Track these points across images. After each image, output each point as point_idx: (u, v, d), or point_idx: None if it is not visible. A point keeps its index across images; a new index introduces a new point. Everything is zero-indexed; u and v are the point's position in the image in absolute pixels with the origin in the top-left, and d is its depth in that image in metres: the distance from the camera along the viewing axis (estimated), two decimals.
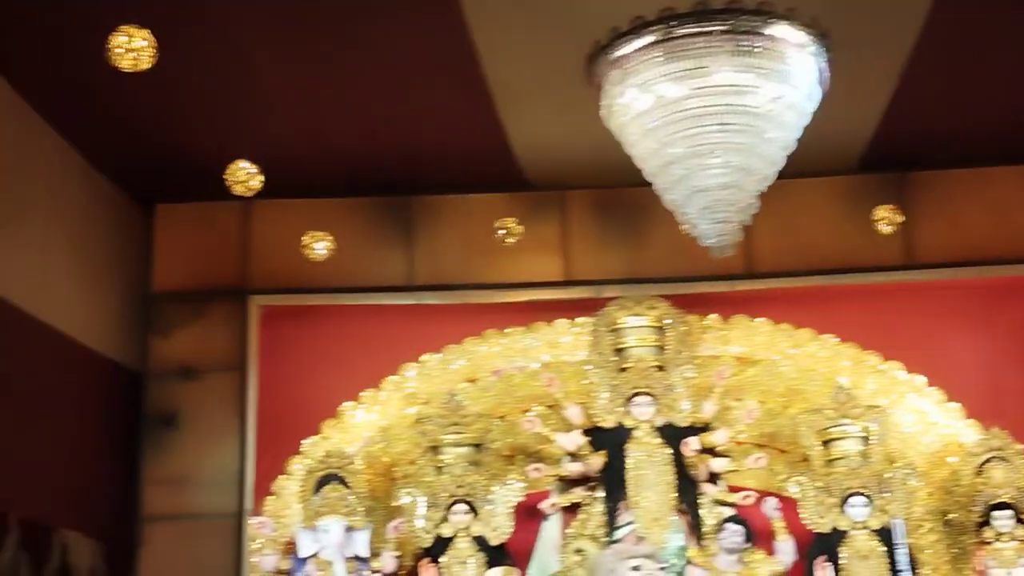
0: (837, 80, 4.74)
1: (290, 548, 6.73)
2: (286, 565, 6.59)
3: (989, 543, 6.52)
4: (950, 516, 6.92)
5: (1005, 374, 7.32)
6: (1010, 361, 7.34)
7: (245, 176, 5.77)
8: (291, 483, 7.10)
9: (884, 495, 6.59)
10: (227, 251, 7.46)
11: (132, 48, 4.35)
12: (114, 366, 7.16)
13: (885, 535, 6.44)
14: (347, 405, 7.33)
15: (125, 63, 4.38)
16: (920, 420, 7.16)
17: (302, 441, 7.24)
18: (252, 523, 6.91)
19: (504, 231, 6.99)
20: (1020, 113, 6.53)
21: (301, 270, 7.11)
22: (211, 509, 7.17)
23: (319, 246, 6.78)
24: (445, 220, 7.50)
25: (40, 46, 5.57)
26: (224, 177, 5.79)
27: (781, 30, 4.45)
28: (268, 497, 7.15)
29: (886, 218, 6.86)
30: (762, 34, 4.43)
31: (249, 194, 5.87)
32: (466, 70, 5.87)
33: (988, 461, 6.71)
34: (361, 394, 7.35)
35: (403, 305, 7.48)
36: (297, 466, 7.14)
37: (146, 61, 4.40)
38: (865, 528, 6.53)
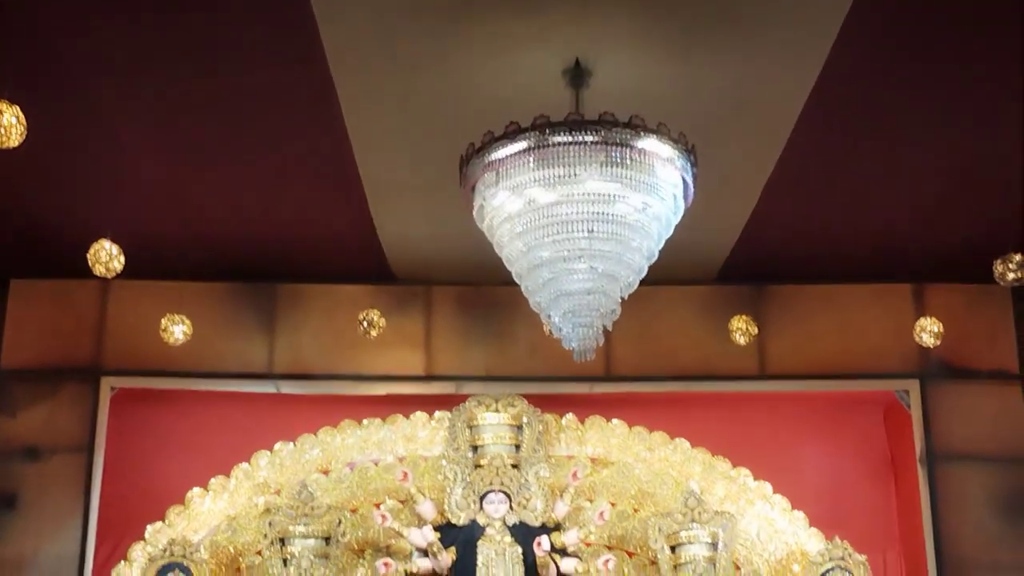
0: (701, 194, 4.87)
1: None
2: None
3: None
4: None
5: (849, 485, 7.53)
6: (854, 473, 7.56)
7: (106, 257, 5.68)
8: (132, 570, 6.92)
9: None
10: (82, 330, 7.29)
11: (0, 124, 4.26)
12: None
13: None
14: (195, 491, 7.19)
15: None
16: (766, 527, 7.29)
17: (146, 527, 7.07)
18: None
19: (367, 323, 6.96)
20: (873, 232, 6.79)
21: (157, 353, 6.99)
22: None
23: (177, 329, 6.68)
24: (308, 309, 7.45)
25: None
26: (86, 256, 5.69)
27: (651, 143, 4.55)
28: None
29: (741, 329, 7.02)
30: (632, 146, 4.52)
31: (109, 275, 5.79)
32: (340, 165, 5.88)
33: (830, 571, 6.85)
34: (211, 481, 7.22)
35: (260, 393, 7.39)
36: (138, 553, 6.97)
37: (15, 139, 4.32)
38: None
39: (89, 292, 7.26)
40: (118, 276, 5.90)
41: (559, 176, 4.51)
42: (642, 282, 4.83)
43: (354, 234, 6.76)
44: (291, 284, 7.46)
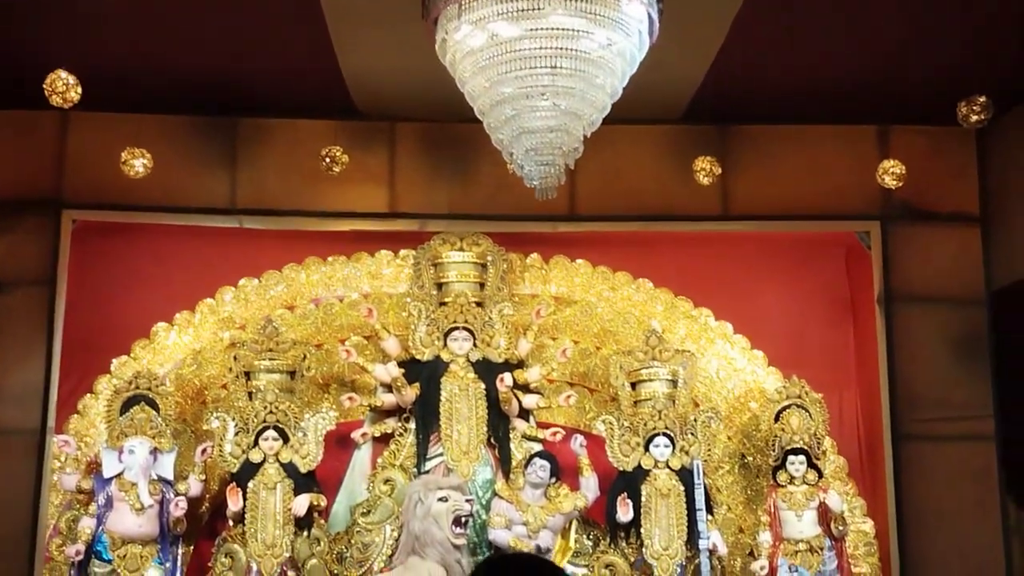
0: (667, 31, 4.80)
1: (93, 468, 6.66)
2: (88, 485, 6.50)
3: (782, 486, 6.82)
4: (748, 459, 7.23)
5: (808, 325, 7.61)
6: (814, 313, 7.63)
7: (63, 87, 5.59)
8: (97, 402, 6.99)
9: (687, 437, 6.82)
10: (41, 162, 7.19)
11: None
12: None
13: (685, 475, 6.67)
14: (160, 326, 7.22)
15: None
16: (725, 366, 7.42)
17: (111, 360, 7.12)
18: (55, 441, 6.80)
19: (329, 159, 6.91)
20: (838, 73, 6.73)
21: (119, 186, 6.89)
22: (13, 425, 6.98)
23: (137, 163, 6.59)
24: (270, 144, 7.37)
25: None
26: (42, 86, 5.60)
27: None
28: (73, 416, 7.01)
29: (705, 169, 7.00)
30: None
31: (67, 106, 5.70)
32: None
33: (786, 408, 6.98)
34: (175, 316, 7.25)
35: (223, 228, 7.34)
36: (104, 385, 7.03)
37: None
38: (667, 467, 6.75)
39: (48, 124, 7.12)
40: (76, 107, 5.80)
41: (522, 9, 4.42)
42: (606, 120, 4.78)
43: (316, 67, 6.64)
44: (252, 118, 7.34)
